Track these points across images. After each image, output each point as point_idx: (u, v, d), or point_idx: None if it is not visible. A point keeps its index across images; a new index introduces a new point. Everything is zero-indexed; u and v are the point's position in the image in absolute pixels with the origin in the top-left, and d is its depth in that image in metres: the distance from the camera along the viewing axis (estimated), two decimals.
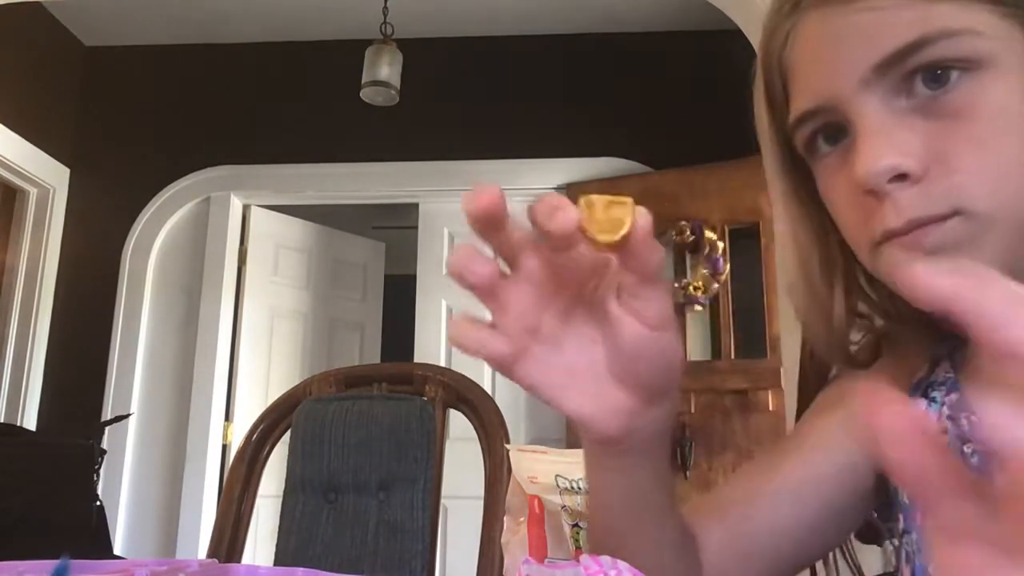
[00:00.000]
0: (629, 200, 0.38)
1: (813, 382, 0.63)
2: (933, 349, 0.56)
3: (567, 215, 0.37)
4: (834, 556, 0.70)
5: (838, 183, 0.51)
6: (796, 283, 0.56)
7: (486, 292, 0.40)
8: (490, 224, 0.38)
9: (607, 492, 0.49)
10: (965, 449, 0.48)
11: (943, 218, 0.46)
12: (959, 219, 0.46)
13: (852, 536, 0.66)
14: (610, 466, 0.47)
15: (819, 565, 0.69)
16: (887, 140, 0.47)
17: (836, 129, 0.50)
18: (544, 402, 0.43)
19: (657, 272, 0.39)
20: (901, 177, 0.46)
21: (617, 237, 0.38)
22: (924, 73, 0.46)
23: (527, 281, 0.41)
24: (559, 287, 0.41)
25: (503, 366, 0.41)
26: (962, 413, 0.50)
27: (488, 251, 0.40)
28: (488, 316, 0.41)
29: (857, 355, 0.56)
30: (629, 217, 0.38)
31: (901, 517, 0.52)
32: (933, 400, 0.53)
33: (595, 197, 0.38)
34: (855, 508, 0.58)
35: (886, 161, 0.46)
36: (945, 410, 0.51)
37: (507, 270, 0.41)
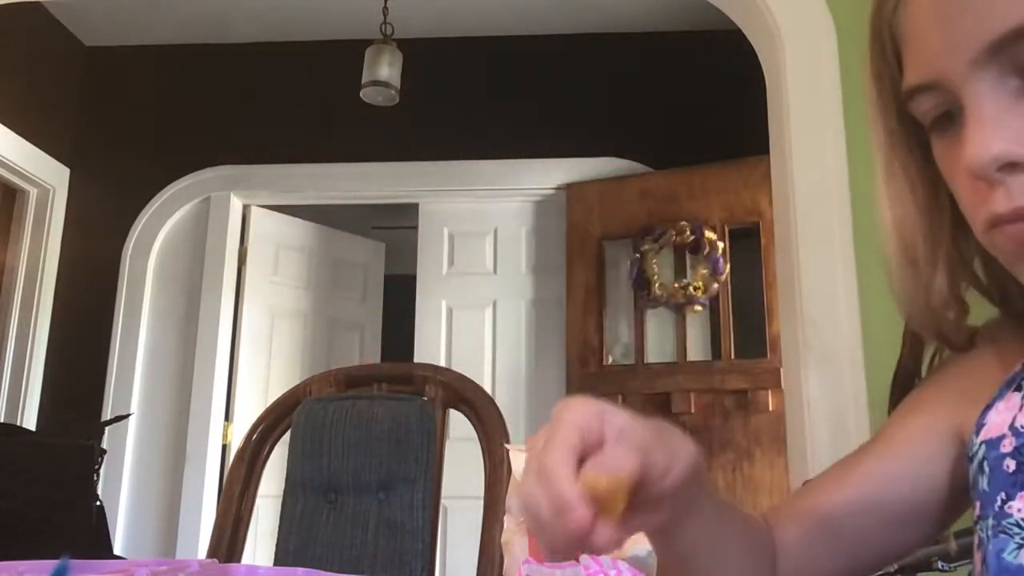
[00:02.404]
0: (623, 477, 0.40)
1: (911, 369, 0.63)
2: None
3: (577, 517, 0.39)
4: None
5: (955, 163, 0.48)
6: (895, 258, 0.54)
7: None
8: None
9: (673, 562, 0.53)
10: None
11: None
12: None
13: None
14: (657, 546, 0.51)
15: None
16: (996, 127, 0.44)
17: (951, 106, 0.48)
18: None
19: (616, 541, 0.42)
20: (1012, 165, 0.44)
21: (614, 518, 0.41)
22: None
23: None
24: None
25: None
26: None
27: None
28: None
29: (953, 335, 0.55)
30: (623, 498, 0.40)
31: (979, 504, 0.52)
32: None
33: (593, 477, 0.40)
34: (931, 513, 0.59)
35: (994, 149, 0.44)
36: None
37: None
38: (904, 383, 0.63)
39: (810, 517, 0.60)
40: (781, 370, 2.81)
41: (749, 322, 3.08)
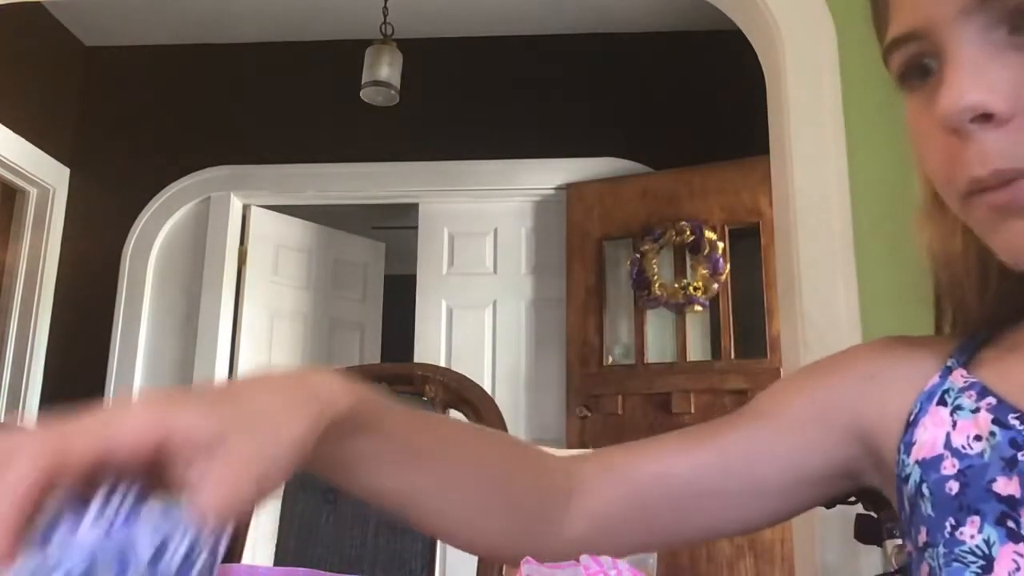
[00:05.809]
0: None
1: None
2: (944, 359, 0.53)
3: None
4: None
5: (925, 121, 0.47)
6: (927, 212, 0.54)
7: None
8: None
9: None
10: (1020, 456, 0.45)
11: None
12: None
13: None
14: None
15: None
16: (976, 74, 0.43)
17: (929, 60, 0.47)
18: None
19: None
20: (986, 117, 0.43)
21: None
22: None
23: None
24: None
25: None
26: (1009, 415, 0.47)
27: None
28: None
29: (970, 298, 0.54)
30: None
31: (925, 530, 0.49)
32: (959, 408, 0.50)
33: None
34: (787, 495, 0.56)
35: (970, 97, 0.42)
36: (985, 414, 0.48)
37: None
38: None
39: (647, 473, 0.55)
40: (781, 370, 2.80)
41: (749, 322, 3.08)
